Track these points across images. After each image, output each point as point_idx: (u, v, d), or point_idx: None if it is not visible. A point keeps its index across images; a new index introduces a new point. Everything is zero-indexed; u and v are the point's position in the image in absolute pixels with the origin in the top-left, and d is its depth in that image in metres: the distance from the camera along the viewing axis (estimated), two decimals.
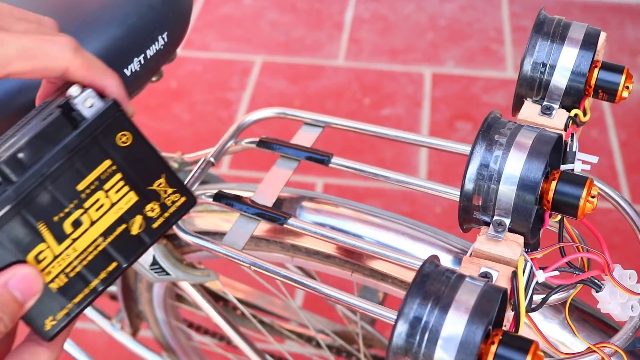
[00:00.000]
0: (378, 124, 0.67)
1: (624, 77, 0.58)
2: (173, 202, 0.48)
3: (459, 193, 0.52)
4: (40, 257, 0.44)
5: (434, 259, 0.46)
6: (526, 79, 0.59)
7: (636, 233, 0.57)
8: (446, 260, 0.64)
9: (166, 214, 0.48)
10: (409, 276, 0.66)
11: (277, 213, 0.63)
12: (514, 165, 0.50)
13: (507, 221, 0.50)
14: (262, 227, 0.69)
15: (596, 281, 0.53)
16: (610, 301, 0.53)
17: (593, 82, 0.58)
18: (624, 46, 2.13)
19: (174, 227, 0.60)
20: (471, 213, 0.52)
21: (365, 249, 0.61)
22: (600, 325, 0.63)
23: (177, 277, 0.83)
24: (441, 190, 0.63)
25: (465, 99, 1.98)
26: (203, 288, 0.93)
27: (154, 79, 0.77)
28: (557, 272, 0.51)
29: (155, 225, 0.48)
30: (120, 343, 1.10)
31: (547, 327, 0.62)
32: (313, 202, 0.69)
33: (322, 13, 2.27)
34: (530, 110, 0.59)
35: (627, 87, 0.58)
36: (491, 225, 0.51)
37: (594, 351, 0.50)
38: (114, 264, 0.46)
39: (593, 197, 0.50)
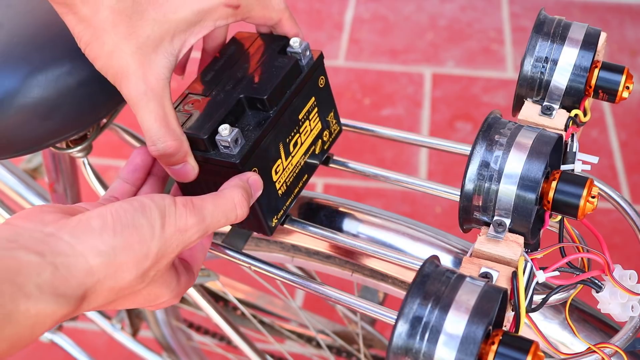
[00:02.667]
0: (378, 124, 0.67)
1: (624, 77, 0.58)
2: (334, 131, 0.64)
3: (459, 193, 0.52)
4: (277, 169, 0.57)
5: (434, 259, 0.46)
6: (526, 79, 0.59)
7: (636, 233, 0.57)
8: (446, 261, 0.64)
9: (330, 139, 0.64)
10: (409, 276, 0.66)
11: None
12: (514, 166, 0.50)
13: (507, 221, 0.50)
14: None
15: (596, 281, 0.53)
16: (610, 301, 0.53)
17: (593, 82, 0.58)
18: (624, 46, 2.13)
19: None
20: (471, 213, 0.52)
21: (365, 249, 0.61)
22: (600, 326, 0.63)
23: None
24: (441, 190, 0.63)
25: (465, 99, 1.98)
26: (203, 288, 0.93)
27: None
28: (557, 273, 0.51)
29: (325, 147, 0.63)
30: (121, 343, 1.10)
31: (547, 327, 0.62)
32: (313, 202, 0.69)
33: (322, 13, 2.27)
34: (530, 111, 0.59)
35: (627, 87, 0.58)
36: (491, 225, 0.51)
37: (594, 351, 0.50)
38: (305, 176, 0.61)
39: (593, 197, 0.50)
